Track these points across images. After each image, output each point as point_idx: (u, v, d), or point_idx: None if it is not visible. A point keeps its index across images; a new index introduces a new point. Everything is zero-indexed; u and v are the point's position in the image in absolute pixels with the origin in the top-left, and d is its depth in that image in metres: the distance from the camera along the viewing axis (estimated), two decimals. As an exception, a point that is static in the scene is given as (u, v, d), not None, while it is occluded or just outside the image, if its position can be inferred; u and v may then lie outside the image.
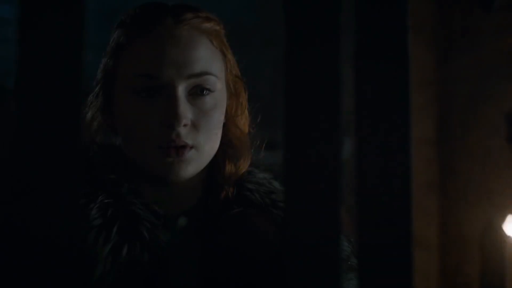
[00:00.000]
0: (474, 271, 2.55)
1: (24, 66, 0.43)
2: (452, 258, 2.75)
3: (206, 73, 0.97)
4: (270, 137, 1.09)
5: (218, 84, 1.00)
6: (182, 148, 0.95)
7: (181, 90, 0.95)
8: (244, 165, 1.06)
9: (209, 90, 0.98)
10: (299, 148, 0.45)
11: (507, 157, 2.44)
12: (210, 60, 0.99)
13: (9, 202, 0.42)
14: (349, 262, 0.98)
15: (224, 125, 1.03)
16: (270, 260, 0.91)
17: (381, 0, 0.47)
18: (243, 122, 1.07)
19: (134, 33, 0.98)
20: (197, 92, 0.97)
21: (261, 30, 2.74)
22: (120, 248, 0.91)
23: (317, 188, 0.45)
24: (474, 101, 2.62)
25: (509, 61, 2.44)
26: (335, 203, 0.45)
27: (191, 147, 0.96)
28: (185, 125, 0.95)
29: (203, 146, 0.97)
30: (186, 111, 0.95)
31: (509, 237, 2.17)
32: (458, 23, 2.72)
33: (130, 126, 0.98)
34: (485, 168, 2.54)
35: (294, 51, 0.46)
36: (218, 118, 1.00)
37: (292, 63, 0.46)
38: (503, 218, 2.27)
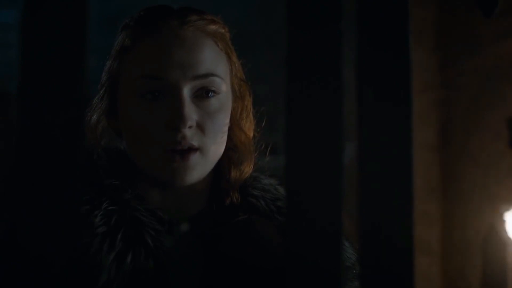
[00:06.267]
0: (476, 276, 2.55)
1: (27, 71, 0.43)
2: (454, 263, 2.75)
3: (212, 75, 0.97)
4: (274, 141, 1.09)
5: (223, 86, 0.99)
6: (187, 152, 0.94)
7: (186, 91, 0.95)
8: (248, 170, 1.06)
9: (214, 92, 0.97)
10: (301, 153, 0.45)
11: (509, 161, 2.44)
12: (215, 62, 0.98)
13: (11, 208, 0.42)
14: (354, 271, 0.97)
15: (229, 129, 1.02)
16: (274, 268, 0.90)
17: (382, 5, 0.47)
18: (248, 125, 1.07)
19: (139, 35, 0.98)
20: (202, 94, 0.97)
21: (265, 34, 2.75)
22: (125, 255, 0.91)
23: (318, 193, 0.45)
24: (476, 105, 2.62)
25: (510, 65, 2.44)
26: (337, 208, 0.45)
27: (197, 150, 0.95)
28: (190, 127, 0.94)
29: (209, 148, 0.96)
30: (191, 112, 0.94)
31: (510, 240, 2.17)
32: (460, 28, 2.72)
33: (134, 129, 0.97)
34: (487, 173, 2.54)
35: (296, 54, 0.46)
36: (223, 121, 0.99)
37: (293, 67, 0.46)
38: (504, 223, 2.27)
